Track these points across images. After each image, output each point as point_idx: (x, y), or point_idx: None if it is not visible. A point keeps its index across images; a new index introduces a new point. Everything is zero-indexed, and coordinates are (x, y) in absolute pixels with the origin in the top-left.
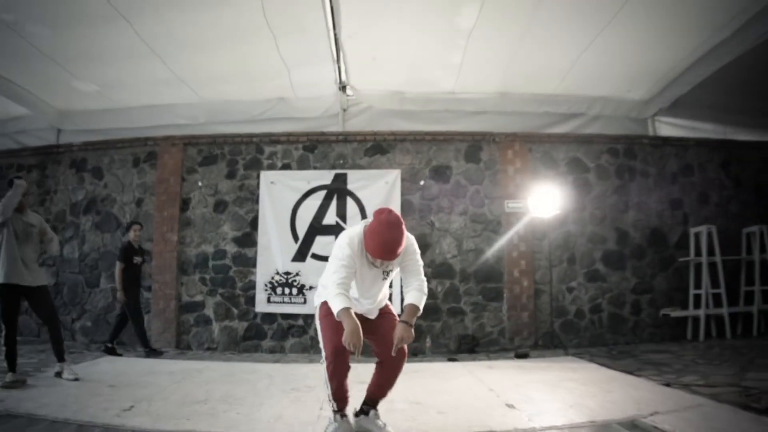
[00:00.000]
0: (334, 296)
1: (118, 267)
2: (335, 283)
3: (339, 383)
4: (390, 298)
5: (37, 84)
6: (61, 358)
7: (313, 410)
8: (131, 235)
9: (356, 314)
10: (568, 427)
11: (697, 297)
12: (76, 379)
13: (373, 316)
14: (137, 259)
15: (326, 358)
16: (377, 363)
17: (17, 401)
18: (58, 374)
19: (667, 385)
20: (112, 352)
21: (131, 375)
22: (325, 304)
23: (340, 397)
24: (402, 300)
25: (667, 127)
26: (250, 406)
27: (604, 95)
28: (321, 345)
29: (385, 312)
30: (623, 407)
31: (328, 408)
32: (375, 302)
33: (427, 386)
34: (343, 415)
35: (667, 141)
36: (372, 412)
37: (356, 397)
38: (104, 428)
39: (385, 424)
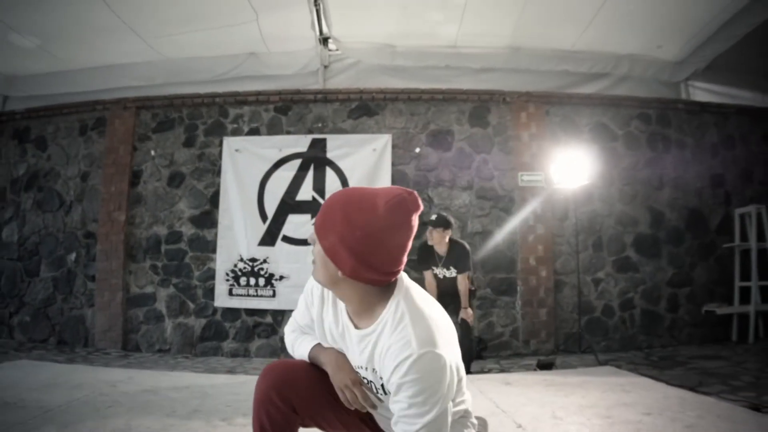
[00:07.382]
0: (292, 342)
1: None
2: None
3: None
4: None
5: None
6: None
7: None
8: None
9: None
10: None
11: (744, 290)
12: None
13: None
14: None
15: None
16: None
17: None
18: None
19: (757, 409)
20: None
21: (20, 389)
22: None
23: None
24: None
25: (702, 93)
26: None
27: (630, 53)
28: None
29: None
30: None
31: None
32: None
33: None
34: None
35: (705, 107)
36: None
37: None
38: None
39: None
